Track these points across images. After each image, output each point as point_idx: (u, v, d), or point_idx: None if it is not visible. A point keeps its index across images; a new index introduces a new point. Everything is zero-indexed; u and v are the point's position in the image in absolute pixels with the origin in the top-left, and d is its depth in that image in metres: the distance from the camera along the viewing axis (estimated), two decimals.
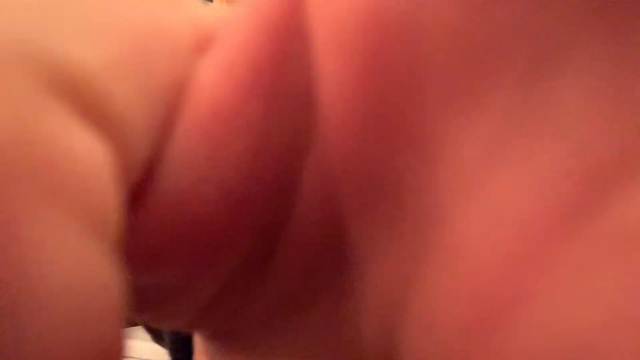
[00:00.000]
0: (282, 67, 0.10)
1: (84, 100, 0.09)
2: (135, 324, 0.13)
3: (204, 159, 0.10)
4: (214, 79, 0.10)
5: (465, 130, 0.09)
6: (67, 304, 0.08)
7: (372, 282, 0.10)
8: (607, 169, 0.08)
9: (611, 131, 0.08)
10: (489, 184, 0.09)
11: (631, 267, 0.08)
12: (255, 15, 0.10)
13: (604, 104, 0.08)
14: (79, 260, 0.08)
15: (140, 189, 0.10)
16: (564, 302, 0.08)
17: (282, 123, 0.10)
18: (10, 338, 0.07)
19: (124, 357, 0.09)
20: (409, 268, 0.09)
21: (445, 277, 0.09)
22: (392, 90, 0.09)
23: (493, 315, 0.09)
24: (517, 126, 0.09)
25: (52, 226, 0.08)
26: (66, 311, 0.08)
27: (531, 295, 0.08)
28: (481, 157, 0.09)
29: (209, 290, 0.11)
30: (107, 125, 0.09)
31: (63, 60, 0.09)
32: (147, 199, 0.10)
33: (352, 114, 0.09)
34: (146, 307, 0.11)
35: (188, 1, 0.11)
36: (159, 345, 0.55)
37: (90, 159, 0.09)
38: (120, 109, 0.09)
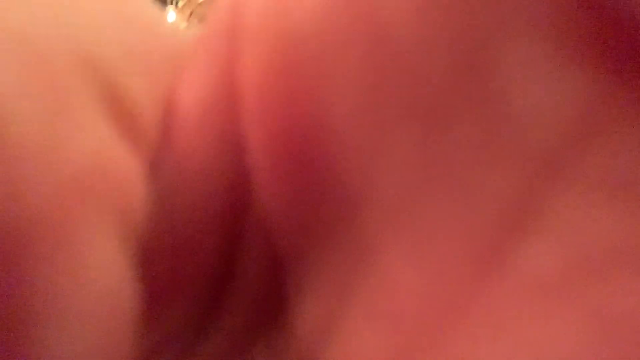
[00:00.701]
0: (228, 114, 0.11)
1: (114, 98, 0.10)
2: None
3: (157, 192, 0.11)
4: (171, 119, 0.11)
5: (383, 173, 0.09)
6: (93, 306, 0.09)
7: (304, 323, 0.11)
8: (506, 223, 0.09)
9: (502, 184, 0.09)
10: (410, 228, 0.09)
11: (532, 317, 0.08)
12: (206, 60, 0.11)
13: (489, 158, 0.09)
14: (110, 272, 0.09)
15: None
16: (475, 346, 0.09)
17: (226, 168, 0.11)
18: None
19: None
20: (336, 309, 0.10)
21: (367, 317, 0.10)
22: (307, 142, 0.10)
23: (409, 356, 0.09)
24: (426, 178, 0.09)
25: (95, 236, 0.09)
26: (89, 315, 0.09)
27: (446, 339, 0.09)
28: (401, 202, 0.09)
29: (152, 337, 0.12)
30: (134, 129, 0.10)
31: (97, 60, 0.10)
32: None
33: (274, 165, 0.10)
34: None
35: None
36: None
37: (124, 165, 0.09)
38: (144, 113, 0.10)
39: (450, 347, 0.09)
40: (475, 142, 0.09)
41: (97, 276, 0.09)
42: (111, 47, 0.10)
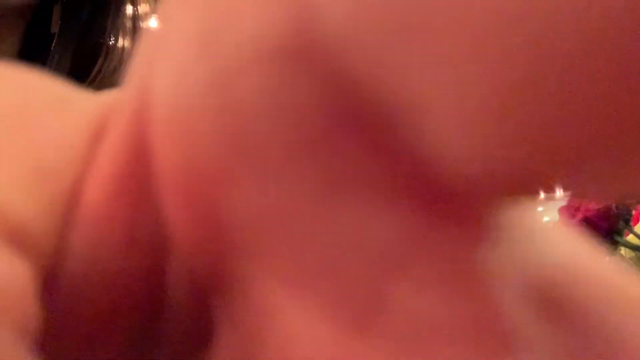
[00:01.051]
0: (143, 185, 0.11)
1: (2, 223, 0.10)
2: None
3: (87, 257, 0.11)
4: (91, 190, 0.11)
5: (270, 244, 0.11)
6: None
7: None
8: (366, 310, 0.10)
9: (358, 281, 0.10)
10: (301, 295, 0.11)
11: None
12: (123, 132, 0.12)
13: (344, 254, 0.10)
14: None
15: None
16: None
17: (145, 230, 0.12)
18: None
19: None
20: (249, 352, 0.11)
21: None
22: (214, 214, 0.11)
23: None
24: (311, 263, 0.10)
25: None
26: None
27: None
28: (288, 276, 0.10)
29: None
30: (23, 244, 0.11)
31: None
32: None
33: (188, 233, 0.11)
34: None
35: (75, 95, 0.13)
36: None
37: (13, 278, 0.10)
38: (32, 223, 0.11)
39: None
40: (330, 246, 0.10)
41: None
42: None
